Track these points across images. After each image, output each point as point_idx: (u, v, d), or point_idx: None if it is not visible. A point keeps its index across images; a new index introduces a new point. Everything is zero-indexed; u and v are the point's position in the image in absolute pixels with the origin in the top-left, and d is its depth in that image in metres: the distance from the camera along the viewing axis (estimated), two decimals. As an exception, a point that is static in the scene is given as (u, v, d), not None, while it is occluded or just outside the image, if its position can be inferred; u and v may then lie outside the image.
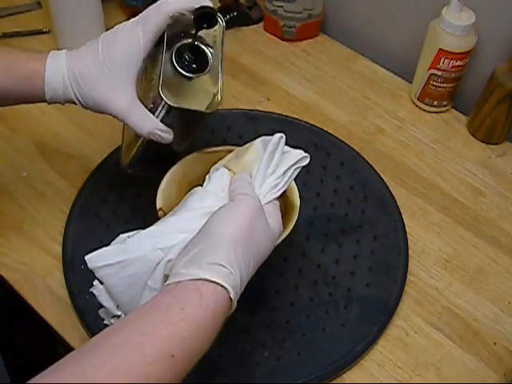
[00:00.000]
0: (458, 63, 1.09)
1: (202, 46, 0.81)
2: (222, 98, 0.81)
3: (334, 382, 0.83)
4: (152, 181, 0.88)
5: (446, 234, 1.00)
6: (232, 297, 0.64)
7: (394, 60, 1.25)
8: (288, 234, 0.82)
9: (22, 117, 1.10)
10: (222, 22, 0.82)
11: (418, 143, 1.12)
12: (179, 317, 0.60)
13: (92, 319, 0.84)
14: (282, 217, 0.87)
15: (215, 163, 0.84)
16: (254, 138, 1.05)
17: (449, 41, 1.06)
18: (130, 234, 0.74)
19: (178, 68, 0.79)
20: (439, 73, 1.11)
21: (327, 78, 1.22)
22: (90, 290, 0.75)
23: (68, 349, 0.84)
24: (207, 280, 0.62)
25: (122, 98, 0.78)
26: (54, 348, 1.05)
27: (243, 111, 1.12)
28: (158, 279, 0.69)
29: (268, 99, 1.17)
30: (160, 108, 0.78)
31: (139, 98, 0.79)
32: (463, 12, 1.06)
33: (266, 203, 0.75)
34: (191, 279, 0.62)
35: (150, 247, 0.69)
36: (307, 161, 0.80)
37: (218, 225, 0.67)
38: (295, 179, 0.88)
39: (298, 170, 0.80)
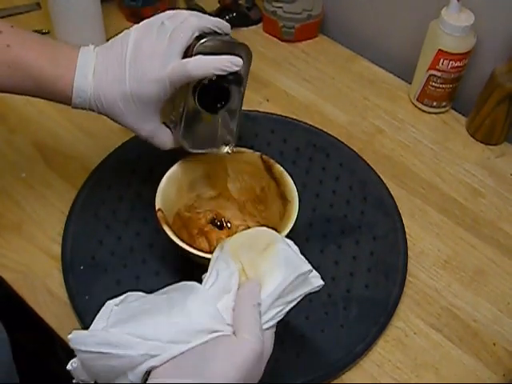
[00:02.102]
0: (458, 64, 1.09)
1: (225, 87, 0.84)
2: (236, 139, 0.88)
3: (333, 382, 0.83)
4: (151, 181, 0.88)
5: (445, 234, 1.00)
6: None
7: (393, 61, 1.25)
8: (286, 236, 0.82)
9: (22, 118, 1.10)
10: (245, 60, 0.84)
11: (418, 144, 1.12)
12: None
13: (91, 320, 0.84)
14: (281, 217, 0.87)
15: (223, 240, 0.76)
16: (254, 139, 1.06)
17: (448, 41, 1.06)
18: (117, 300, 0.71)
19: (198, 106, 0.83)
20: (438, 73, 1.11)
21: (326, 79, 1.22)
22: (67, 367, 0.70)
23: (67, 349, 0.84)
24: None
25: (147, 127, 0.83)
26: (52, 349, 1.05)
27: (242, 112, 1.11)
28: (138, 376, 0.65)
29: (267, 100, 1.17)
30: (181, 118, 0.83)
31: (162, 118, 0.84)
32: (462, 13, 1.06)
33: (266, 329, 0.70)
34: None
35: (138, 351, 0.65)
36: (320, 288, 0.75)
37: (214, 369, 0.63)
38: (294, 180, 0.88)
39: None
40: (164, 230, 0.81)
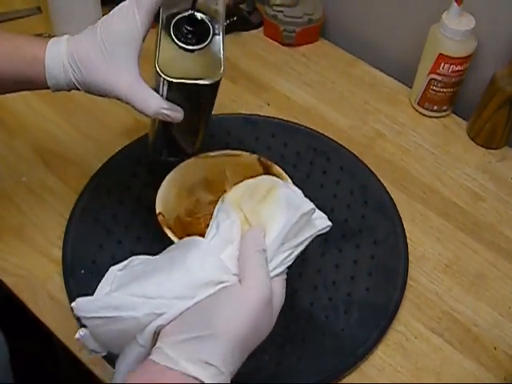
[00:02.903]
0: (458, 68, 1.09)
1: (201, 16, 0.78)
2: (224, 69, 0.77)
3: (334, 386, 0.84)
4: (151, 185, 0.88)
5: (445, 238, 1.00)
6: None
7: (393, 65, 1.25)
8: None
9: (22, 121, 1.10)
10: None
11: (418, 148, 1.12)
12: None
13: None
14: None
15: (225, 192, 0.76)
16: (254, 143, 1.06)
17: (449, 46, 1.07)
18: (121, 266, 0.70)
19: (177, 41, 0.76)
20: (439, 78, 1.11)
21: (327, 83, 1.22)
22: (75, 336, 0.68)
23: (68, 353, 0.84)
24: (196, 378, 0.59)
25: (124, 80, 0.75)
26: (53, 352, 1.05)
27: (243, 116, 1.12)
28: (147, 338, 0.64)
29: (268, 104, 1.17)
30: (161, 85, 0.75)
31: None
32: (463, 17, 1.06)
33: (274, 276, 0.68)
34: (180, 371, 0.60)
35: (143, 311, 0.64)
36: (328, 229, 0.74)
37: (221, 321, 0.62)
38: (295, 184, 0.88)
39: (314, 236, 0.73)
40: (166, 234, 0.81)
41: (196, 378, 0.59)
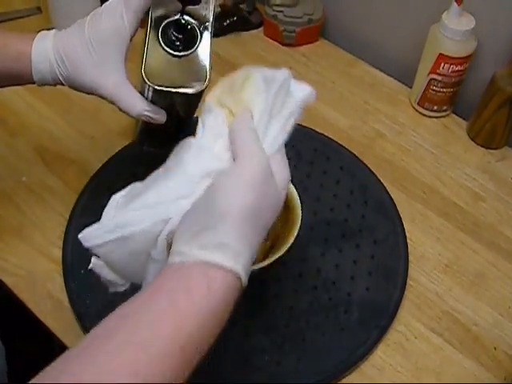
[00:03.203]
0: (458, 68, 1.09)
1: (190, 22, 0.77)
2: (210, 77, 0.77)
3: (334, 386, 0.84)
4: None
5: (445, 238, 1.00)
6: (242, 279, 0.59)
7: (393, 65, 1.25)
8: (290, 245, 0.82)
9: (22, 121, 1.10)
10: None
11: (418, 148, 1.12)
12: (186, 307, 0.55)
13: (92, 323, 0.84)
14: (282, 223, 0.87)
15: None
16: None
17: (449, 46, 1.07)
18: (123, 192, 0.69)
19: (164, 46, 0.75)
20: (439, 78, 1.11)
21: (327, 83, 1.22)
22: (89, 267, 0.68)
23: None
24: (215, 264, 0.57)
25: (110, 80, 0.75)
26: (53, 353, 1.05)
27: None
28: (160, 251, 0.63)
29: (268, 104, 1.17)
30: (146, 89, 0.75)
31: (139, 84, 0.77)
32: (463, 17, 1.06)
33: (274, 152, 0.67)
34: (197, 261, 0.57)
35: (148, 221, 0.62)
36: (314, 97, 0.71)
37: (224, 199, 0.59)
38: (295, 184, 0.88)
39: (302, 108, 0.71)
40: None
41: (213, 263, 0.57)
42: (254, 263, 0.80)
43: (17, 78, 0.79)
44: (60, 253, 0.92)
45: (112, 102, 0.77)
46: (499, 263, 0.97)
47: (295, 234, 0.83)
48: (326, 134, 1.10)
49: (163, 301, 0.56)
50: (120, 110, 0.77)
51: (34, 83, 0.79)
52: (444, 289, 0.94)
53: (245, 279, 0.59)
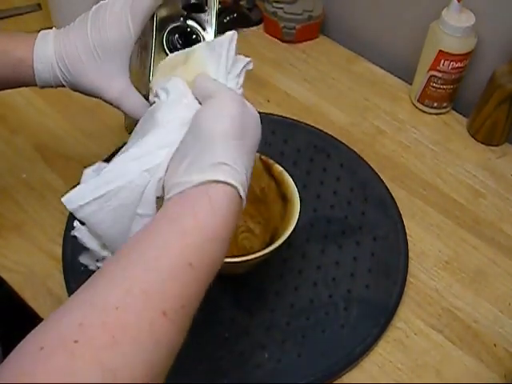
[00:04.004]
0: (458, 65, 1.09)
1: (193, 27, 0.79)
2: None
3: (334, 383, 0.83)
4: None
5: (446, 235, 1.00)
6: (242, 194, 0.60)
7: (394, 61, 1.25)
8: (288, 236, 0.82)
9: (22, 118, 1.10)
10: (214, 3, 0.80)
11: (418, 145, 1.12)
12: (191, 225, 0.56)
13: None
14: (282, 218, 0.87)
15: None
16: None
17: (449, 42, 1.06)
18: (94, 167, 0.68)
19: (168, 52, 0.77)
20: (439, 74, 1.11)
21: (327, 80, 1.22)
22: (71, 233, 0.68)
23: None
24: (213, 181, 0.58)
25: (115, 86, 0.76)
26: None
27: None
28: (148, 204, 0.63)
29: (268, 101, 1.17)
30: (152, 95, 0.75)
31: (134, 84, 0.77)
32: (463, 13, 1.06)
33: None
34: (195, 185, 0.58)
35: (134, 171, 0.63)
36: (251, 65, 0.77)
37: (208, 124, 0.62)
38: (295, 181, 0.88)
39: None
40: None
41: (212, 181, 0.58)
42: (253, 253, 0.80)
43: (19, 83, 0.79)
44: (60, 250, 0.92)
45: (116, 107, 0.77)
46: (499, 260, 0.97)
47: (294, 224, 0.83)
48: (325, 130, 1.10)
49: (170, 224, 0.57)
50: (124, 113, 0.78)
51: (33, 85, 0.79)
52: (444, 285, 0.94)
53: (243, 194, 0.61)
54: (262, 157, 0.90)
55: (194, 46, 0.73)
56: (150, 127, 0.66)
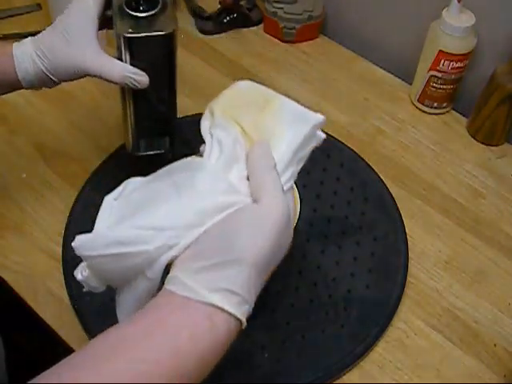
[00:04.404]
0: (458, 65, 1.09)
1: None
2: (177, 23, 0.81)
3: (334, 383, 0.83)
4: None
5: (445, 235, 1.00)
6: (244, 324, 0.59)
7: (393, 62, 1.25)
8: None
9: (22, 118, 1.10)
10: None
11: (418, 145, 1.12)
12: (187, 346, 0.55)
13: (92, 320, 0.84)
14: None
15: (210, 104, 0.71)
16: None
17: (449, 42, 1.06)
18: (116, 193, 0.67)
19: (129, 11, 0.79)
20: (439, 74, 1.11)
21: (327, 80, 1.22)
22: (74, 273, 0.65)
23: (68, 350, 0.84)
24: (221, 308, 0.57)
25: (88, 55, 0.79)
26: (53, 349, 1.05)
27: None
28: (157, 271, 0.60)
29: (268, 101, 1.17)
30: (123, 49, 0.79)
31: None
32: (463, 13, 1.06)
33: (289, 188, 0.67)
34: (202, 302, 0.56)
35: (154, 244, 0.59)
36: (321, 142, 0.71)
37: (241, 243, 0.58)
38: (295, 182, 0.88)
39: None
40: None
41: (220, 308, 0.57)
42: None
43: (2, 81, 0.83)
44: (60, 250, 0.92)
45: (96, 75, 0.80)
46: (499, 260, 0.97)
47: (293, 224, 0.83)
48: (325, 130, 1.09)
49: (165, 336, 0.56)
50: (105, 79, 0.80)
51: (21, 87, 0.84)
52: (444, 285, 0.94)
53: (245, 323, 0.60)
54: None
55: (281, 96, 0.70)
56: (187, 188, 0.62)
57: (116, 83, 0.80)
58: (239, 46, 1.27)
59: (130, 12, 0.79)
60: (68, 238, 0.93)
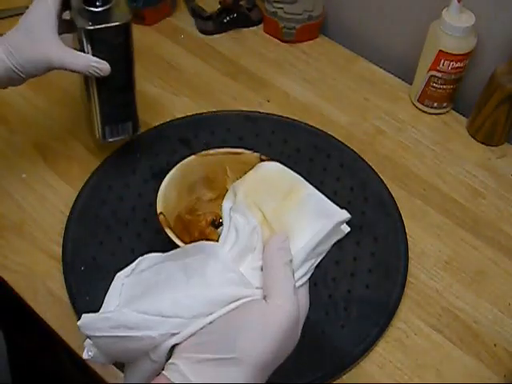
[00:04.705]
0: (458, 65, 1.09)
1: None
2: (131, 14, 0.89)
3: (334, 383, 0.83)
4: (151, 181, 0.88)
5: (445, 235, 1.00)
6: None
7: (394, 62, 1.25)
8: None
9: (22, 118, 1.10)
10: None
11: (418, 145, 1.12)
12: None
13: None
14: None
15: (234, 185, 0.69)
16: (254, 140, 1.06)
17: (449, 42, 1.06)
18: (128, 271, 0.67)
19: (87, 7, 0.87)
20: (439, 74, 1.11)
21: (327, 80, 1.22)
22: (83, 356, 0.64)
23: (68, 350, 0.84)
24: None
25: (52, 49, 0.85)
26: (53, 349, 1.05)
27: (243, 113, 1.12)
28: (161, 355, 0.60)
29: (268, 101, 1.17)
30: (85, 42, 0.86)
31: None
32: (463, 13, 1.06)
33: (303, 283, 0.64)
34: None
35: (159, 331, 0.59)
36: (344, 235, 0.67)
37: (245, 343, 0.57)
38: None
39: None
40: (167, 234, 0.81)
41: None
42: None
43: None
44: (60, 250, 0.92)
45: (62, 67, 0.86)
46: (499, 260, 0.97)
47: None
48: (326, 130, 1.10)
49: None
50: (70, 70, 0.87)
51: None
52: (444, 285, 0.94)
53: None
54: (262, 157, 0.90)
55: (307, 185, 0.67)
56: (198, 275, 0.61)
57: (81, 73, 0.88)
58: (239, 45, 1.27)
59: (88, 8, 0.87)
60: (68, 238, 0.93)
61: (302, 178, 0.68)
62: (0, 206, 0.98)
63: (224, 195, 0.86)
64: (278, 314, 0.59)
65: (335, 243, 0.66)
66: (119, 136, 0.97)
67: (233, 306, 0.60)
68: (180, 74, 1.20)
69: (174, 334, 0.59)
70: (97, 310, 0.69)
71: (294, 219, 0.65)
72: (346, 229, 0.66)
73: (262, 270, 0.63)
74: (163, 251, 0.92)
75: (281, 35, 1.28)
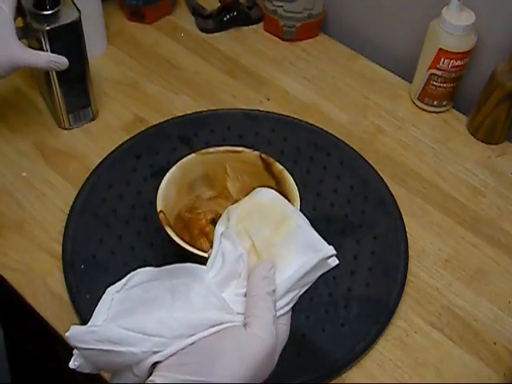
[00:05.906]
0: (458, 63, 1.09)
1: None
2: (79, 11, 0.97)
3: (334, 381, 0.83)
4: (151, 179, 0.88)
5: (445, 233, 1.00)
6: None
7: (394, 60, 1.25)
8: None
9: (22, 117, 1.10)
10: None
11: (418, 143, 1.12)
12: None
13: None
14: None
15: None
16: (254, 138, 1.06)
17: (449, 41, 1.06)
18: (118, 286, 0.69)
19: (39, 12, 0.95)
20: (439, 73, 1.11)
21: (327, 78, 1.22)
22: (70, 365, 0.67)
23: (68, 349, 0.84)
24: None
25: (14, 51, 0.93)
26: (54, 348, 1.05)
27: (243, 111, 1.12)
28: (143, 370, 0.63)
29: (268, 99, 1.17)
30: (43, 41, 0.95)
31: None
32: (463, 12, 1.06)
33: (281, 315, 0.66)
34: None
35: (141, 348, 0.62)
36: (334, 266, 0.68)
37: (220, 369, 0.60)
38: (294, 179, 0.87)
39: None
40: (166, 232, 0.81)
41: None
42: None
43: None
44: (60, 248, 0.92)
45: (25, 65, 0.94)
46: (499, 258, 0.97)
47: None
48: (325, 129, 1.10)
49: None
50: (33, 67, 0.97)
51: None
52: (444, 284, 0.94)
53: None
54: (262, 155, 0.90)
55: (299, 216, 0.70)
56: (182, 299, 0.64)
57: (43, 69, 0.97)
58: (239, 44, 1.27)
59: (41, 12, 0.95)
60: (68, 236, 0.93)
61: (294, 208, 0.71)
62: (0, 204, 0.98)
63: (223, 194, 0.87)
64: (255, 344, 0.61)
65: (321, 276, 0.67)
66: (82, 121, 1.09)
67: (213, 330, 0.62)
68: (180, 73, 1.20)
69: (155, 352, 0.62)
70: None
71: (282, 249, 0.67)
72: (335, 262, 0.67)
73: (245, 296, 0.65)
74: (163, 250, 0.92)
75: (281, 33, 1.28)
